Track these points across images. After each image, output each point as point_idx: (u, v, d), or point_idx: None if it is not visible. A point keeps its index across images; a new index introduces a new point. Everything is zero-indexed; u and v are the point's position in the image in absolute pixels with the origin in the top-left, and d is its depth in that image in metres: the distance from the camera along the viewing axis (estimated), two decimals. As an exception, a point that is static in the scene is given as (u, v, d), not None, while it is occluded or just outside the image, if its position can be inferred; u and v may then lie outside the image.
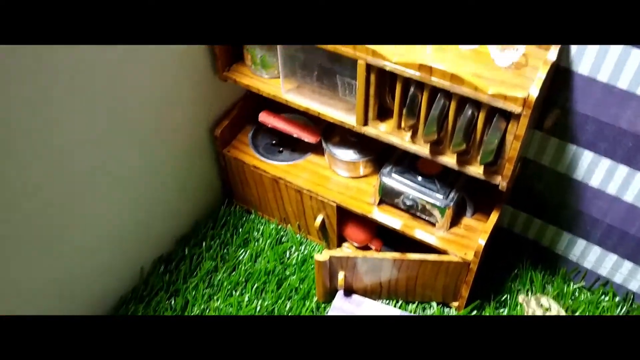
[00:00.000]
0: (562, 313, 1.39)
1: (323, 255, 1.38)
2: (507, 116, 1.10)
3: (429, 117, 1.17)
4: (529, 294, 1.54)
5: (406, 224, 1.44)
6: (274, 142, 1.63)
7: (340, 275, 1.43)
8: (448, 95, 1.13)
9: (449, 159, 1.23)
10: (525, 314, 1.42)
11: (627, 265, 1.49)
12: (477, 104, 1.12)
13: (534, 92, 1.04)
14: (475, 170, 1.22)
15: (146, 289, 1.52)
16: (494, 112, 1.11)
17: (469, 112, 1.13)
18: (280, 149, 1.62)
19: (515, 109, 1.06)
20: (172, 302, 1.50)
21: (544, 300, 1.41)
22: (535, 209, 1.55)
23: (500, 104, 1.07)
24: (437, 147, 1.24)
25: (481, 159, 1.18)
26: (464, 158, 1.22)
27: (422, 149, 1.25)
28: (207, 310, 1.50)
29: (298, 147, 1.61)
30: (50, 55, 1.05)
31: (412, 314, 1.50)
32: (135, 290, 1.52)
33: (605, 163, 1.33)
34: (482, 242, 1.31)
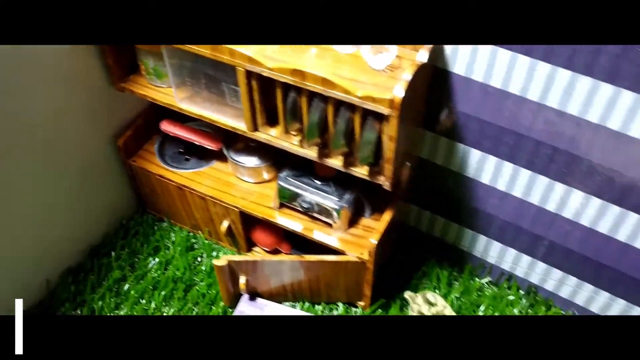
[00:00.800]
0: (448, 309, 1.42)
1: (221, 261, 1.40)
2: (381, 118, 1.13)
3: (309, 121, 1.20)
4: (436, 290, 1.58)
5: (306, 226, 1.46)
6: (180, 150, 1.64)
7: (242, 280, 1.45)
8: (325, 99, 1.16)
9: (335, 161, 1.26)
10: (411, 310, 1.45)
11: (526, 259, 1.53)
12: (352, 107, 1.15)
13: (399, 93, 1.07)
14: (360, 171, 1.25)
15: (52, 301, 1.51)
16: (368, 115, 1.14)
17: (346, 114, 1.16)
18: (187, 157, 1.63)
19: (384, 110, 1.09)
20: (79, 312, 1.50)
21: (430, 296, 1.45)
22: (438, 208, 1.58)
23: (370, 106, 1.10)
24: (323, 150, 1.27)
25: (361, 160, 1.21)
26: (349, 160, 1.25)
27: (310, 152, 1.27)
28: (115, 320, 1.50)
29: (205, 155, 1.62)
30: None
31: (314, 314, 1.52)
32: (42, 303, 1.51)
33: (492, 160, 1.37)
34: (374, 241, 1.34)
